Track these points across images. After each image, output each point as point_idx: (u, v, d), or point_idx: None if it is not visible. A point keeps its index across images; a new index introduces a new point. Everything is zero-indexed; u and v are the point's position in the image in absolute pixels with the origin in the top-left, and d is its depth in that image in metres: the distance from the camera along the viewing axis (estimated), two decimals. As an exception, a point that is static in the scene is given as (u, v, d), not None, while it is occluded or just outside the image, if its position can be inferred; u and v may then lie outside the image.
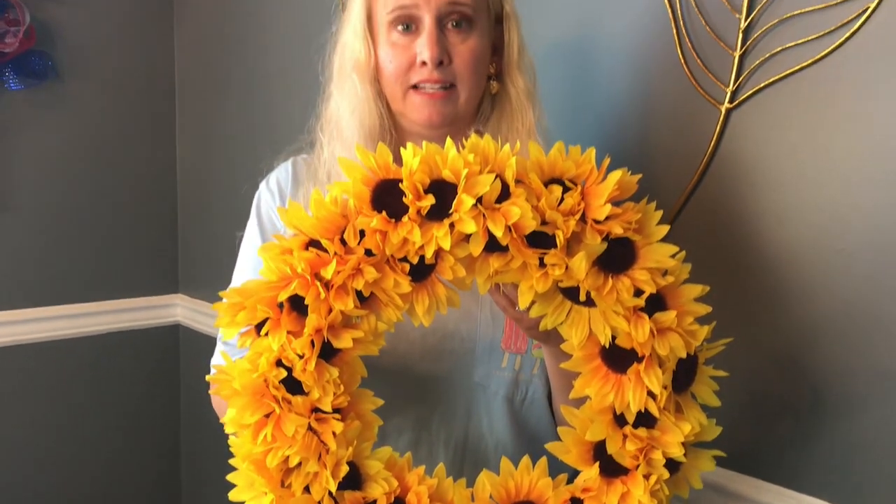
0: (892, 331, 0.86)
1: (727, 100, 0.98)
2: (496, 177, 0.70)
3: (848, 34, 0.87)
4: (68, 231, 1.91)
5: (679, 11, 1.02)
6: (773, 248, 0.95)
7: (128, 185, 1.98)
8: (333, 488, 0.72)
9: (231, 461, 0.75)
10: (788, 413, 0.95)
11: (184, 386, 2.09)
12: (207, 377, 0.75)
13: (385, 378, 0.81)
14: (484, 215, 0.69)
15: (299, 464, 0.72)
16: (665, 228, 0.73)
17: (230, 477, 0.76)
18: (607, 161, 0.73)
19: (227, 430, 0.74)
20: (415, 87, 0.88)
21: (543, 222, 0.71)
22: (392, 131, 0.93)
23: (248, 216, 1.00)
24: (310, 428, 0.73)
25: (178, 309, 2.06)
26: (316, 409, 0.73)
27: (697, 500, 0.89)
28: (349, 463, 0.74)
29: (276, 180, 0.98)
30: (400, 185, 0.70)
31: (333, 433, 0.73)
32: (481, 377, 0.92)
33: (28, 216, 1.85)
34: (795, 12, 0.91)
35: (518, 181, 0.71)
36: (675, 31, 1.02)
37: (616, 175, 0.72)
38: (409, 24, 0.87)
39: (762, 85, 0.94)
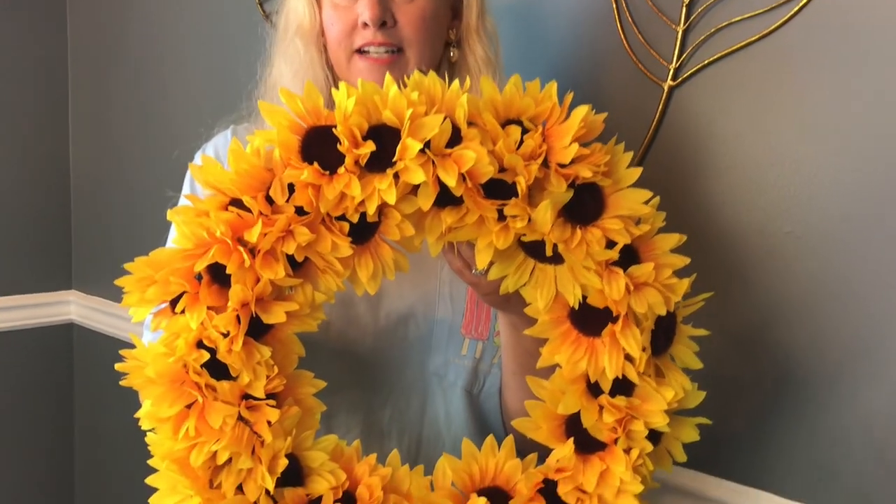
0: (840, 314, 0.85)
1: (670, 77, 0.95)
2: (445, 118, 0.64)
3: (797, 7, 0.85)
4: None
5: (619, -16, 0.99)
6: (717, 232, 0.93)
7: (16, 174, 1.87)
8: (271, 486, 0.66)
9: (150, 461, 0.68)
10: (743, 403, 0.93)
11: (78, 390, 1.99)
12: (117, 365, 0.68)
13: (330, 368, 0.75)
14: (433, 163, 0.63)
15: (229, 460, 0.66)
16: (637, 171, 0.69)
17: (150, 480, 0.69)
18: (570, 97, 0.68)
19: (143, 425, 0.67)
20: (360, 51, 0.84)
21: (501, 169, 0.65)
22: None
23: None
24: (240, 418, 0.66)
25: (72, 306, 1.96)
26: (246, 396, 0.66)
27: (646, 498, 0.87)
28: (288, 455, 0.67)
29: (214, 149, 0.93)
30: (333, 130, 0.64)
31: (268, 422, 0.66)
32: (438, 366, 0.87)
33: None
34: (743, -16, 0.88)
35: (470, 123, 0.65)
36: (614, 5, 0.99)
37: (581, 111, 0.66)
38: None
39: (707, 62, 0.92)
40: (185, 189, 0.93)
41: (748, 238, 0.91)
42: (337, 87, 0.82)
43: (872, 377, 0.83)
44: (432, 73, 0.66)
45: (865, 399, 0.84)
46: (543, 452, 0.73)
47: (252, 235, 0.63)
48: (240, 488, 0.67)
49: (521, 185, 0.64)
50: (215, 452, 0.65)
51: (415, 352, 0.87)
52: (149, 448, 0.68)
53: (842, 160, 0.84)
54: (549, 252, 0.66)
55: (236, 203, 0.65)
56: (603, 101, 1.01)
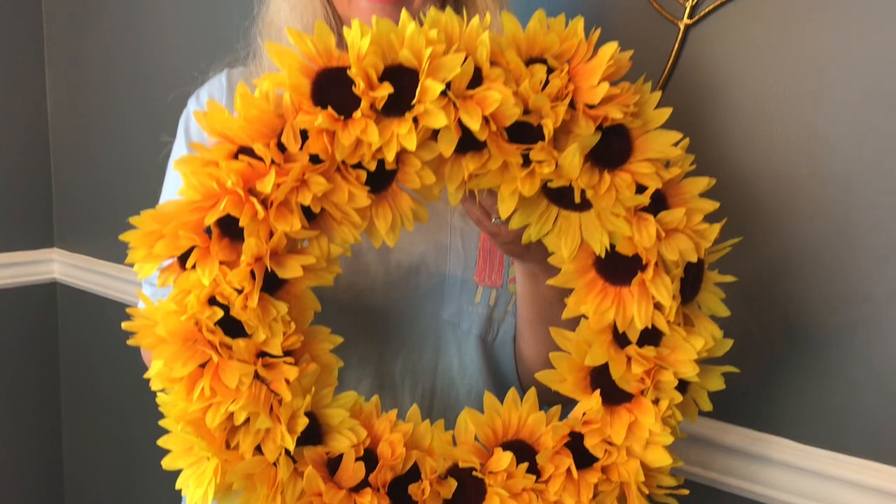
0: (863, 258, 0.83)
1: (686, 15, 0.91)
2: (466, 57, 0.61)
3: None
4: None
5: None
6: (735, 175, 0.90)
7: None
8: (291, 445, 0.64)
9: (162, 422, 0.66)
10: (755, 352, 0.92)
11: (63, 349, 1.95)
12: (124, 324, 0.65)
13: (339, 320, 0.73)
14: (455, 105, 0.60)
15: (247, 420, 0.63)
16: (667, 112, 0.66)
17: (162, 442, 0.67)
18: (597, 33, 0.65)
19: (154, 386, 0.65)
20: None
21: (525, 111, 0.62)
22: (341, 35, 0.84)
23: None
24: (257, 376, 0.63)
25: (55, 265, 1.91)
26: (263, 354, 0.64)
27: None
28: (307, 414, 0.65)
29: (209, 94, 0.88)
30: (347, 72, 0.61)
31: (286, 380, 0.64)
32: (451, 314, 0.85)
33: None
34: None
35: (492, 62, 0.62)
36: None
37: (609, 49, 0.63)
38: None
39: (724, -1, 0.88)
40: (179, 138, 0.89)
41: (767, 180, 0.88)
42: (339, 24, 0.78)
43: (888, 328, 0.82)
44: (449, 10, 0.62)
45: (880, 350, 0.83)
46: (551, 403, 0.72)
47: (265, 186, 0.60)
48: (258, 449, 0.65)
49: (549, 127, 0.61)
50: (232, 413, 0.63)
51: (427, 301, 0.85)
52: (160, 408, 0.66)
53: (865, 99, 0.81)
54: (577, 199, 0.63)
55: (246, 151, 0.61)
56: (615, 40, 0.99)
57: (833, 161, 0.84)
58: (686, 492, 0.70)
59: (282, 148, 0.61)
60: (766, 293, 0.91)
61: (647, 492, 0.69)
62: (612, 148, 0.64)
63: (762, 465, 0.92)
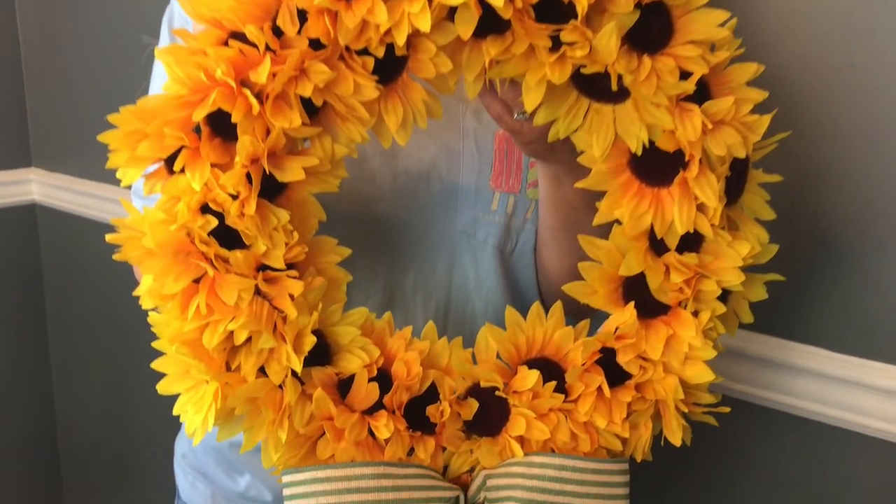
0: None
1: None
2: (486, -77, 0.53)
3: None
4: None
5: None
6: (769, 67, 0.84)
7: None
8: (298, 366, 0.59)
9: (155, 344, 0.61)
10: (786, 257, 0.87)
11: (46, 272, 1.89)
12: (108, 236, 0.59)
13: (344, 232, 0.68)
14: (474, -22, 0.53)
15: (248, 339, 0.58)
16: (712, -12, 0.59)
17: (156, 364, 0.62)
18: None
19: (145, 304, 0.60)
20: None
21: (554, -15, 0.55)
22: None
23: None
24: (257, 292, 0.58)
25: (34, 185, 1.83)
26: (263, 267, 0.59)
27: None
28: (315, 332, 0.60)
29: None
30: (350, -58, 0.53)
31: (290, 296, 0.59)
32: (466, 224, 0.79)
33: None
34: None
35: (516, -71, 0.55)
36: None
37: (649, -88, 0.56)
38: None
39: None
40: (163, 39, 0.81)
41: (804, 73, 0.81)
42: None
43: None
44: None
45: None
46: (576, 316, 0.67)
47: (259, 76, 0.54)
48: (262, 371, 0.60)
49: (582, 3, 0.54)
50: (232, 332, 0.58)
51: (439, 211, 0.79)
52: (152, 329, 0.61)
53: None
54: (614, 86, 0.57)
55: (237, 36, 0.54)
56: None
57: (875, 51, 0.77)
58: (727, 409, 0.66)
59: (277, 32, 0.54)
60: (798, 198, 0.85)
61: (685, 410, 0.64)
62: (652, 29, 0.57)
63: (788, 374, 0.88)
